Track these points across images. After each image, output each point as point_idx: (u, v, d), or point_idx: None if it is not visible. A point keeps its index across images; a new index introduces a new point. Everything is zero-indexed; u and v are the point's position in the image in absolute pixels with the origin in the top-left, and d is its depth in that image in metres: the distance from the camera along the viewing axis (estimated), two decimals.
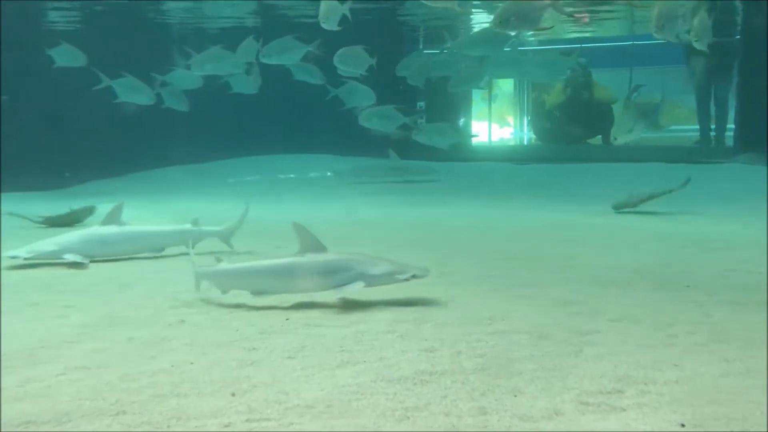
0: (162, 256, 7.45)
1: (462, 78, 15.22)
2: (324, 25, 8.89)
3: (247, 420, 3.40)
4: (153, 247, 7.52)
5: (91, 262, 7.14)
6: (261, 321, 5.02)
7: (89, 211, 9.88)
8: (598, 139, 21.81)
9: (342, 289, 5.27)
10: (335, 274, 5.28)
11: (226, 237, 7.73)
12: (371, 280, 5.30)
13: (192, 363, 4.18)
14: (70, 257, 7.01)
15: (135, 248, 7.48)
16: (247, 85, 14.98)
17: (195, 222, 7.60)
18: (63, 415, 3.45)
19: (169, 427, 3.34)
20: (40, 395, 3.70)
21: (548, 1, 7.46)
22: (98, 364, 4.17)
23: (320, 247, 5.38)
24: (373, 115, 13.93)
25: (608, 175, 15.51)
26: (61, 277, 6.69)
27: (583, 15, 21.02)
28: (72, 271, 6.95)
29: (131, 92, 13.88)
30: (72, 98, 15.16)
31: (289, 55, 13.08)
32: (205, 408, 3.53)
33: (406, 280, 5.33)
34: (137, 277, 6.62)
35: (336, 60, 12.39)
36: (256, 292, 5.39)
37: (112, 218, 7.37)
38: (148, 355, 4.34)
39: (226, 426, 3.34)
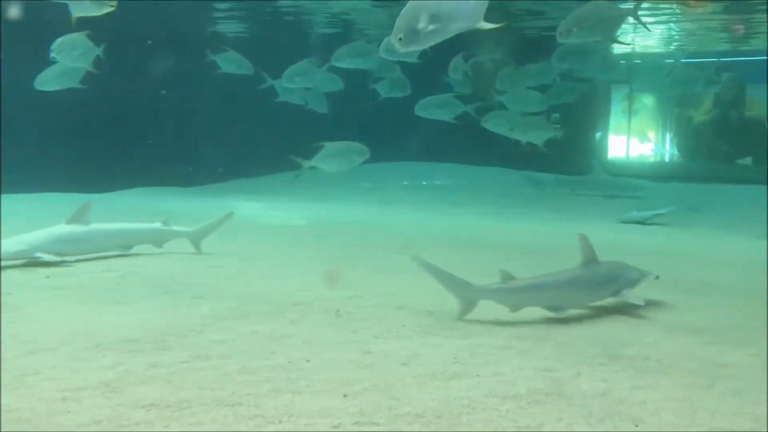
0: (289, 257, 7.68)
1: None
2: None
3: (356, 423, 3.39)
4: (121, 245, 7.51)
5: (219, 257, 7.40)
6: (377, 326, 5.03)
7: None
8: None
9: (624, 295, 5.43)
10: (612, 283, 5.45)
11: (195, 239, 7.82)
12: (634, 284, 5.52)
13: (308, 361, 4.24)
14: (43, 256, 6.89)
15: (103, 246, 7.43)
16: (396, 89, 14.89)
17: (165, 222, 7.75)
18: (184, 402, 3.59)
19: (280, 422, 3.39)
20: (165, 380, 3.88)
21: (617, 9, 7.09)
22: (220, 355, 4.32)
23: (595, 258, 5.49)
24: (431, 104, 13.56)
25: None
26: (193, 269, 7.03)
27: (738, 27, 19.68)
28: (204, 264, 7.30)
29: (293, 93, 14.50)
30: (227, 101, 15.96)
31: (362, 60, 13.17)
32: (317, 406, 3.55)
33: (656, 278, 5.76)
34: (263, 274, 6.85)
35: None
36: (552, 308, 5.27)
37: (79, 216, 7.30)
38: (268, 350, 4.45)
39: (336, 427, 3.35)
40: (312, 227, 10.94)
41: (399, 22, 3.91)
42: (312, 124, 16.11)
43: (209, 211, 11.84)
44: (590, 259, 5.46)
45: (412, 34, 3.88)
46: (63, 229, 7.22)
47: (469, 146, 15.77)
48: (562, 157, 14.83)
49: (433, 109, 13.59)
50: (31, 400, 3.56)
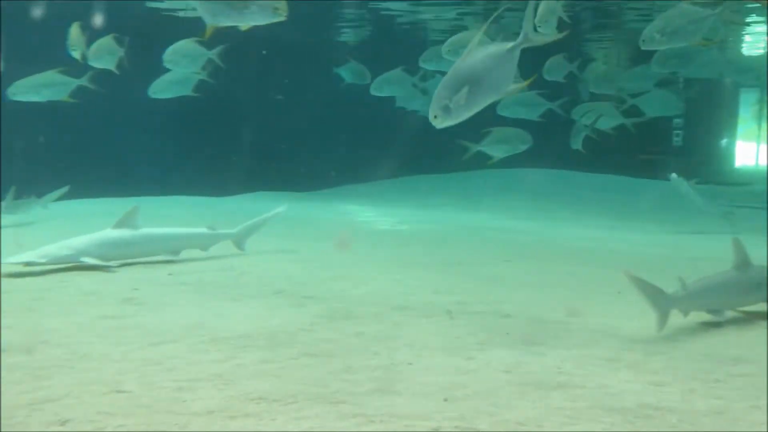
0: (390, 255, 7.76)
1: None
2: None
3: (455, 427, 3.40)
4: (168, 250, 7.53)
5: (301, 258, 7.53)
6: (481, 332, 5.01)
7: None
8: None
9: None
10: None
11: (239, 240, 7.87)
12: None
13: (410, 364, 4.29)
14: (87, 260, 6.98)
15: (150, 250, 7.47)
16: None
17: (211, 226, 7.79)
18: (290, 397, 3.73)
19: (381, 422, 3.46)
20: (274, 375, 4.05)
21: (702, 12, 6.62)
22: (327, 353, 4.45)
23: (749, 261, 5.46)
24: (514, 103, 13.08)
25: None
26: (304, 271, 7.26)
27: None
28: (315, 265, 7.51)
29: (412, 101, 14.66)
30: (343, 107, 16.28)
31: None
32: (418, 409, 3.59)
33: None
34: (371, 277, 6.97)
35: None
36: (715, 310, 5.28)
37: (127, 221, 7.35)
38: (372, 351, 4.54)
39: (435, 429, 3.38)
40: (420, 232, 11.01)
41: (433, 102, 4.15)
42: (423, 129, 16.17)
43: (315, 213, 12.16)
44: (744, 262, 5.40)
45: (446, 113, 4.12)
46: (110, 233, 7.30)
47: (582, 152, 15.31)
48: (684, 164, 14.08)
49: (516, 107, 13.31)
50: (152, 388, 3.82)
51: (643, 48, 7.89)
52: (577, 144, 12.74)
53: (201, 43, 10.40)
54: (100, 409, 3.50)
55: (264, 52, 15.55)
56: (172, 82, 11.27)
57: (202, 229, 7.76)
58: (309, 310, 5.61)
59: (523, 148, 11.15)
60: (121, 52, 9.43)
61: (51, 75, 10.17)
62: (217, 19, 5.44)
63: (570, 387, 3.92)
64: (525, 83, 4.53)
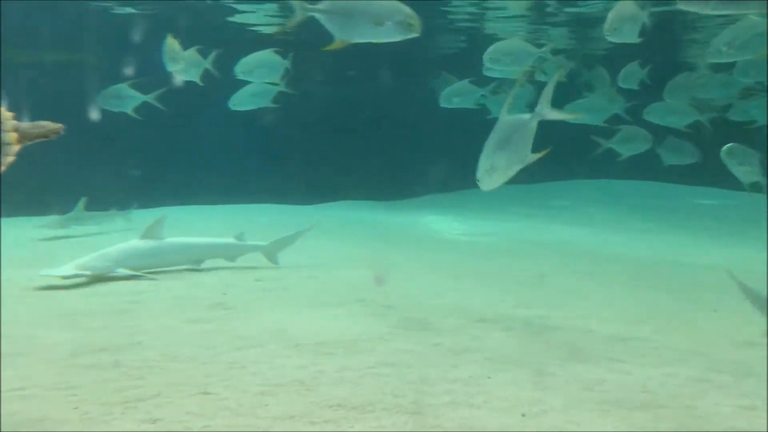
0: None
1: None
2: (611, 37, 7.28)
3: None
4: (192, 259, 7.55)
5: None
6: (562, 348, 4.93)
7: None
8: None
9: None
10: None
11: (270, 253, 7.78)
12: None
13: (489, 377, 4.27)
14: (122, 272, 7.03)
15: (176, 260, 7.50)
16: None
17: (239, 236, 7.72)
18: (368, 405, 3.79)
19: None
20: (352, 383, 4.12)
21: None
22: (404, 364, 4.49)
23: None
24: (578, 108, 12.57)
25: None
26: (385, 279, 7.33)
27: None
28: (395, 275, 7.57)
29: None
30: (431, 117, 16.33)
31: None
32: (495, 423, 3.58)
33: None
34: (451, 288, 6.97)
35: None
36: None
37: (153, 232, 7.39)
38: (449, 363, 4.55)
39: None
40: (502, 244, 10.91)
41: (478, 166, 4.67)
42: None
43: (397, 223, 12.25)
44: None
45: (488, 178, 4.65)
46: (138, 244, 7.38)
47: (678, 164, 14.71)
48: None
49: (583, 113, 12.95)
50: (236, 391, 3.96)
51: (708, 60, 7.77)
52: (671, 159, 12.69)
53: (278, 52, 10.48)
54: (188, 410, 3.66)
55: (351, 68, 15.71)
56: (252, 95, 11.50)
57: (230, 240, 7.80)
58: (388, 319, 5.66)
59: (646, 147, 11.73)
60: (206, 63, 9.66)
61: (123, 87, 10.77)
62: (348, 36, 5.37)
63: (654, 407, 3.81)
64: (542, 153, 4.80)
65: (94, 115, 11.17)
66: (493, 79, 13.19)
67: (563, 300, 6.54)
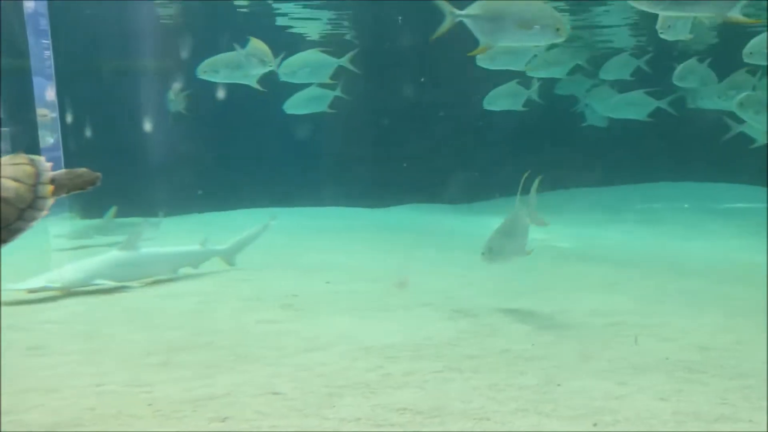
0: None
1: None
2: (664, 35, 6.96)
3: None
4: (168, 269, 7.43)
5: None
6: (636, 356, 4.77)
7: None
8: None
9: None
10: None
11: (228, 256, 7.78)
12: None
13: (559, 385, 4.17)
14: (101, 282, 6.78)
15: (153, 270, 7.33)
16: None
17: (203, 242, 7.65)
18: (435, 410, 3.76)
19: None
20: (418, 387, 4.10)
21: None
22: (471, 369, 4.44)
23: None
24: (624, 104, 11.99)
25: None
26: (453, 284, 7.28)
27: None
28: (463, 280, 7.50)
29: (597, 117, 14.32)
30: (502, 120, 16.19)
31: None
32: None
33: None
34: (521, 293, 6.86)
35: None
36: None
37: (131, 242, 7.20)
38: (518, 369, 4.47)
39: None
40: (577, 249, 10.67)
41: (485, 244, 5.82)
42: (589, 140, 15.70)
43: (466, 227, 12.14)
44: None
45: (492, 254, 5.70)
46: (117, 255, 7.18)
47: None
48: None
49: (624, 107, 12.41)
50: (303, 392, 4.00)
51: (746, 60, 7.44)
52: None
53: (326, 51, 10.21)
54: (256, 409, 3.72)
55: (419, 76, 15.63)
56: (308, 99, 11.45)
57: (194, 247, 7.74)
58: (456, 324, 5.62)
59: None
60: (272, 65, 9.57)
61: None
62: (494, 39, 5.34)
63: (733, 420, 3.64)
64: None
65: (156, 119, 11.47)
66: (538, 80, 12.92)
67: (642, 306, 6.31)
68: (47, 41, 11.26)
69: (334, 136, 15.32)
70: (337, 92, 11.20)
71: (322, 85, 11.11)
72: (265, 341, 5.02)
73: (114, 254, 7.20)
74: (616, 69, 13.04)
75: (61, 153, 11.46)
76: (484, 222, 13.30)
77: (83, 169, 3.05)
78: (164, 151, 13.44)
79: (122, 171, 13.13)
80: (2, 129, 11.25)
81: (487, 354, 4.80)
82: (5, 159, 2.93)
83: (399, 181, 16.16)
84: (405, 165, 15.89)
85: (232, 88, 10.36)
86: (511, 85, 12.83)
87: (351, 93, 11.64)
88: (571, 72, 13.51)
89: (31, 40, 11.04)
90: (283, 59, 9.92)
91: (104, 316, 5.94)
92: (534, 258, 9.34)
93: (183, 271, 7.64)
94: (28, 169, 2.87)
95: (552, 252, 10.39)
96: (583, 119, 15.13)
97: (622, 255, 9.95)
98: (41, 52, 11.16)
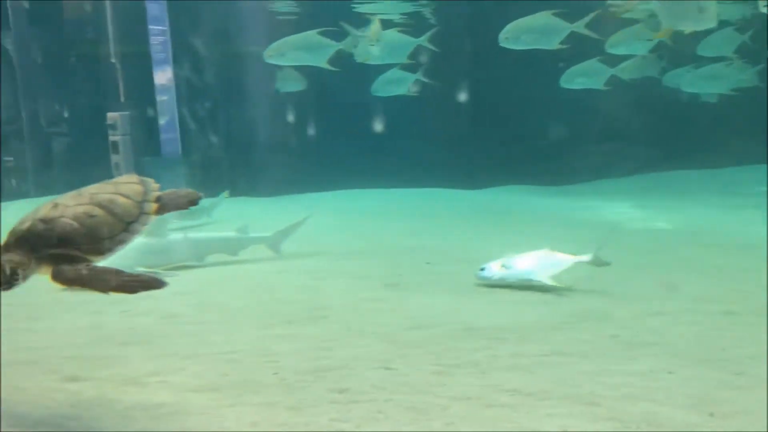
0: None
1: None
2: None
3: None
4: (196, 256, 7.23)
5: None
6: (753, 344, 4.62)
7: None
8: None
9: None
10: None
11: (274, 244, 7.49)
12: None
13: (670, 372, 4.14)
14: (140, 269, 6.44)
15: (180, 257, 7.16)
16: None
17: (242, 229, 7.38)
18: (543, 393, 3.82)
19: (638, 428, 3.42)
20: (526, 370, 4.17)
21: None
22: (580, 354, 4.46)
23: None
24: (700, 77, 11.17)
25: None
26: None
27: None
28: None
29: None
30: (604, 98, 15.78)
31: None
32: (679, 420, 3.48)
33: None
34: (630, 277, 6.73)
35: None
36: None
37: (157, 229, 6.97)
38: (627, 355, 4.46)
39: None
40: (678, 232, 10.29)
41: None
42: (688, 116, 15.05)
43: (569, 211, 11.95)
44: None
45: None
46: (143, 242, 6.94)
47: None
48: None
49: (704, 82, 11.62)
50: (414, 368, 4.15)
51: None
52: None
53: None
54: (372, 383, 3.90)
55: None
56: (389, 82, 11.39)
57: (231, 233, 7.58)
58: (562, 308, 5.62)
59: None
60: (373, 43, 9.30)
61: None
62: (676, 22, 5.43)
63: None
64: None
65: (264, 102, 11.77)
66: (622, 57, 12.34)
67: (757, 290, 6.06)
68: (165, 28, 11.88)
69: (428, 117, 15.34)
70: (418, 75, 11.10)
71: (405, 68, 11.12)
72: (375, 317, 5.22)
73: (140, 241, 6.95)
74: (718, 45, 12.32)
75: (177, 134, 12.11)
76: (585, 203, 13.07)
77: (186, 190, 3.41)
78: (269, 132, 13.93)
79: (233, 152, 13.77)
80: (124, 112, 11.96)
81: (595, 339, 4.79)
82: (121, 178, 3.34)
83: (496, 162, 16.01)
84: (503, 146, 15.74)
85: (327, 71, 10.54)
86: (591, 63, 12.37)
87: (449, 73, 11.57)
88: (654, 49, 12.89)
89: (150, 27, 11.67)
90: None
91: (226, 288, 6.33)
92: (638, 242, 9.18)
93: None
94: (138, 188, 3.24)
95: (660, 236, 10.12)
96: (697, 96, 14.43)
97: (735, 241, 9.54)
98: (160, 39, 11.79)
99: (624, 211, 12.68)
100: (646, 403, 3.70)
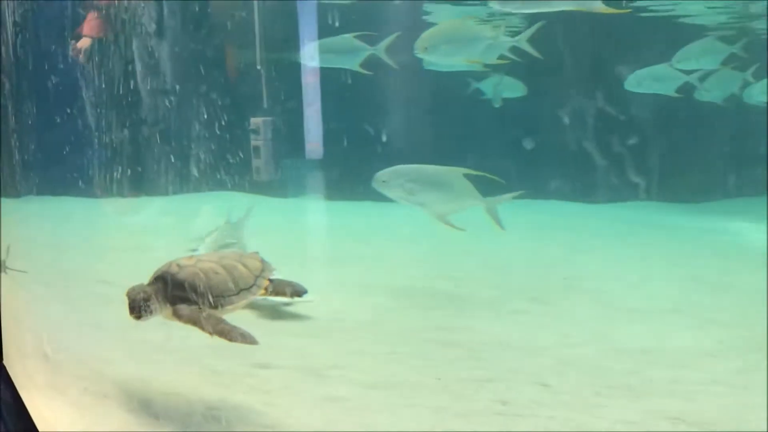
0: None
1: None
2: None
3: None
4: None
5: None
6: None
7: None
8: None
9: None
10: None
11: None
12: None
13: None
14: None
15: None
16: None
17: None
18: (706, 423, 3.77)
19: None
20: (686, 398, 4.09)
21: None
22: (741, 385, 4.35)
23: None
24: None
25: None
26: (694, 290, 7.01)
27: None
28: (706, 286, 7.17)
29: None
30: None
31: None
32: None
33: None
34: None
35: None
36: None
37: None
38: None
39: None
40: None
41: None
42: None
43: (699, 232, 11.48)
44: None
45: None
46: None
47: None
48: None
49: None
50: (570, 387, 4.18)
51: None
52: None
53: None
54: (530, 398, 3.98)
55: None
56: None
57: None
58: (709, 333, 5.46)
59: None
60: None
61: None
62: None
63: None
64: None
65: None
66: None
67: None
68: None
69: (549, 128, 15.09)
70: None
71: None
72: (522, 332, 5.29)
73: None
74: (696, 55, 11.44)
75: (321, 144, 12.41)
76: (719, 224, 12.51)
77: (296, 282, 3.89)
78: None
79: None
80: (267, 119, 12.47)
81: (754, 369, 4.65)
82: (247, 254, 3.88)
83: (623, 176, 15.58)
84: (632, 160, 15.28)
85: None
86: (661, 68, 11.75)
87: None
88: (726, 62, 12.12)
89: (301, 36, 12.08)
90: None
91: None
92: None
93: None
94: (257, 264, 3.75)
95: None
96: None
97: None
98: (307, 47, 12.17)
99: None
100: None
